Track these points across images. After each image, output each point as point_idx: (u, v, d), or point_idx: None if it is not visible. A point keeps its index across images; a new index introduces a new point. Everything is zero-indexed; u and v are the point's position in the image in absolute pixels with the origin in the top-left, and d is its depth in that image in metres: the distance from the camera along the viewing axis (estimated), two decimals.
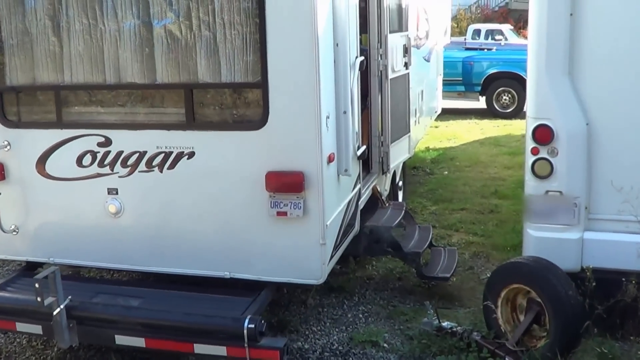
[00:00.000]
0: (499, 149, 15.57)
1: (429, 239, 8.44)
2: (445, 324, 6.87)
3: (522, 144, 16.57)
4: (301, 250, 6.54)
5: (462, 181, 12.94)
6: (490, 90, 20.02)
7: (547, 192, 6.61)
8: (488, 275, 8.45)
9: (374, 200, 8.53)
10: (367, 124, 8.55)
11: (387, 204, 8.62)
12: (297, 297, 8.12)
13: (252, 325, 5.77)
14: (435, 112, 14.04)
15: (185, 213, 6.80)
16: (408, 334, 7.19)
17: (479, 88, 20.04)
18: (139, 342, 6.15)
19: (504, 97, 19.94)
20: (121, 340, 6.19)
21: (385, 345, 7.05)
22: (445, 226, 10.46)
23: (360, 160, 7.68)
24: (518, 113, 19.70)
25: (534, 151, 6.67)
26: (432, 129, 17.45)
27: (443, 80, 15.04)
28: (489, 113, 19.95)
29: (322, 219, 6.42)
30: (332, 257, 6.75)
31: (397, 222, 8.23)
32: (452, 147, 15.99)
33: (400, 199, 10.81)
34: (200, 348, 5.97)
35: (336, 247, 6.92)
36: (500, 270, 6.72)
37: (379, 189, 8.50)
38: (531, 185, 6.74)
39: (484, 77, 19.83)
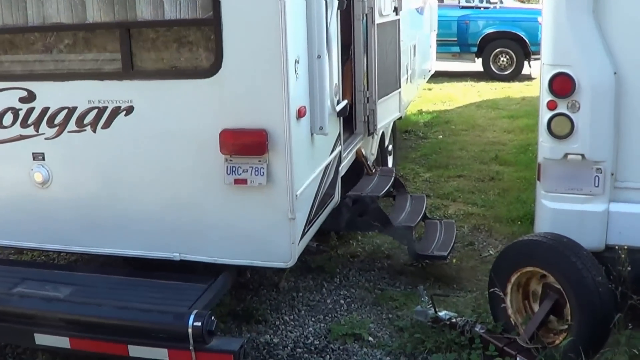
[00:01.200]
0: (497, 112, 14.26)
1: (423, 211, 7.16)
2: (442, 313, 5.61)
3: (523, 107, 15.43)
4: (265, 226, 5.27)
5: (458, 146, 11.64)
6: (487, 52, 18.65)
7: (566, 155, 5.38)
8: (491, 252, 7.23)
9: (359, 166, 7.22)
10: (350, 77, 7.23)
11: (373, 170, 7.32)
12: (269, 279, 6.84)
13: (199, 323, 4.53)
14: (429, 71, 12.72)
15: (124, 182, 5.54)
16: (398, 325, 5.94)
17: (475, 49, 18.63)
18: (63, 342, 4.94)
19: (502, 59, 18.59)
20: (41, 339, 5.00)
21: (370, 339, 5.81)
22: (441, 195, 9.18)
23: (341, 119, 6.38)
24: (516, 76, 18.38)
25: (551, 105, 5.41)
26: (425, 91, 16.12)
27: (437, 40, 13.67)
28: (486, 75, 18.58)
29: (291, 188, 5.14)
30: (304, 233, 5.47)
31: (385, 190, 6.94)
32: (446, 110, 14.67)
33: (389, 164, 9.50)
34: (135, 350, 4.75)
35: (310, 222, 5.63)
36: (509, 250, 5.45)
37: (364, 153, 7.19)
38: (547, 147, 5.50)
39: (481, 37, 18.41)
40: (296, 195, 5.19)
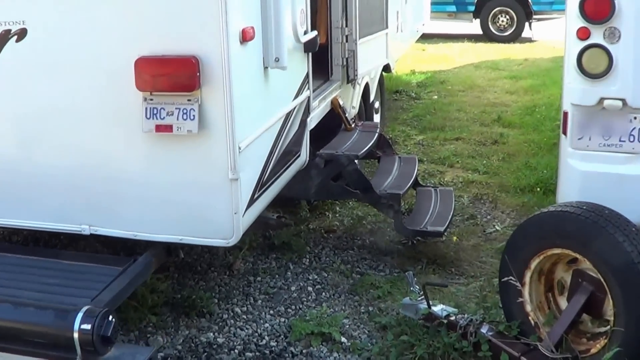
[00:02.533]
0: (497, 73, 12.81)
1: (414, 176, 5.76)
2: (437, 308, 4.23)
3: (526, 68, 13.94)
4: (198, 190, 3.88)
5: (455, 107, 10.20)
6: (486, 11, 17.15)
7: (601, 100, 4.05)
8: (497, 228, 5.87)
9: (335, 119, 5.79)
10: (325, 10, 5.79)
11: (353, 125, 5.88)
12: (220, 258, 5.44)
13: (88, 326, 3.13)
14: (423, 24, 11.23)
15: (17, 132, 4.12)
16: (379, 322, 4.57)
17: (473, 8, 17.17)
18: None
19: (501, 19, 17.08)
20: None
21: (343, 340, 4.44)
22: (436, 160, 7.77)
23: (309, 55, 4.94)
24: (517, 37, 16.88)
25: (582, 34, 4.09)
26: (417, 52, 14.67)
27: None
28: (484, 37, 17.07)
29: (232, 137, 3.75)
30: (253, 200, 4.07)
31: (366, 149, 5.52)
32: (442, 71, 13.20)
33: None
34: None
35: (262, 185, 4.23)
36: (529, 226, 4.07)
37: (341, 104, 5.74)
38: (576, 89, 4.20)
39: None
40: (239, 148, 3.78)
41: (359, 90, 6.56)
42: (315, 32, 4.83)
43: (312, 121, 5.18)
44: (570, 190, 4.31)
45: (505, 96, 10.89)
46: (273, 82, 4.24)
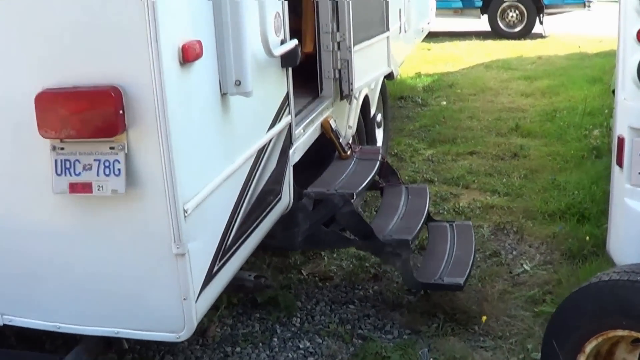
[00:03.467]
0: (510, 73, 11.68)
1: (425, 213, 4.64)
2: None
3: (541, 67, 12.76)
4: (132, 269, 2.81)
5: (466, 113, 9.10)
6: (494, 6, 15.99)
7: None
8: (525, 267, 4.83)
9: (328, 144, 4.71)
10: (311, 11, 4.72)
11: (349, 152, 4.79)
12: None
13: None
14: (428, 22, 10.13)
15: None
16: None
17: (480, 3, 16.01)
18: None
19: (511, 14, 15.92)
20: None
21: None
22: (449, 180, 6.67)
23: (289, 71, 3.87)
24: (527, 33, 15.71)
25: None
26: (423, 51, 13.56)
27: None
28: (493, 34, 15.90)
29: (173, 197, 2.67)
30: (211, 276, 3.02)
31: (365, 184, 4.45)
32: (450, 72, 12.08)
33: (379, 141, 6.99)
34: None
35: (226, 252, 3.17)
36: (582, 300, 3.02)
37: (333, 127, 4.66)
38: (636, 108, 3.09)
39: None
40: (185, 211, 2.71)
41: (356, 106, 5.48)
42: (294, 42, 3.75)
43: (296, 153, 4.10)
44: (630, 240, 3.25)
45: (521, 99, 9.78)
46: (236, 113, 3.17)
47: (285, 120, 3.86)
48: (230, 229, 3.17)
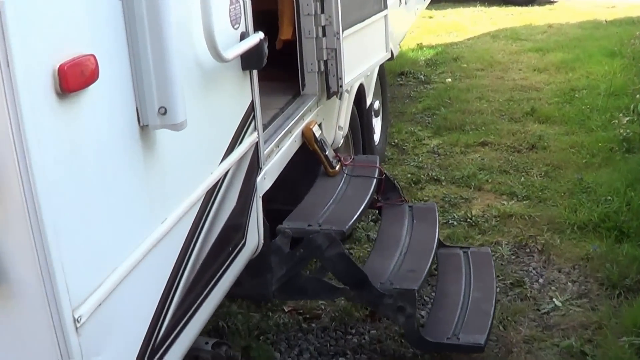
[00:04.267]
0: (519, 45, 10.60)
1: (434, 243, 3.63)
2: None
3: (552, 37, 11.51)
4: None
5: (475, 93, 8.07)
6: None
7: None
8: (556, 303, 3.85)
9: (310, 157, 3.71)
10: None
11: (337, 166, 3.78)
12: None
13: None
14: None
15: None
16: None
17: None
18: None
19: None
20: None
21: None
22: (458, 180, 5.68)
23: (253, 74, 2.86)
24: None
25: None
26: (424, 19, 12.43)
27: None
28: (499, 0, 14.71)
29: (55, 302, 1.64)
30: None
31: (359, 214, 3.42)
32: (454, 43, 10.99)
33: (377, 133, 6.01)
34: None
35: (156, 349, 2.15)
36: None
37: (317, 135, 3.65)
38: None
39: None
40: (77, 320, 1.72)
41: (348, 101, 4.47)
42: (258, 36, 2.72)
43: (267, 179, 3.11)
44: None
45: (534, 75, 8.73)
46: (167, 149, 2.17)
47: (250, 139, 2.86)
48: (164, 313, 2.20)
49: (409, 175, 5.84)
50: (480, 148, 6.34)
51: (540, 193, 5.35)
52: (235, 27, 2.66)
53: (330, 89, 3.86)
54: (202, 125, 2.40)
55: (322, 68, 3.84)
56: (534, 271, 4.35)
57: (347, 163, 3.82)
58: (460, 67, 9.44)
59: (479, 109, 7.42)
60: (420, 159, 6.22)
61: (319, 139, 3.60)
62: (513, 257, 4.53)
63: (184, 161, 2.31)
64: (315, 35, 3.78)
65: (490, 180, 5.62)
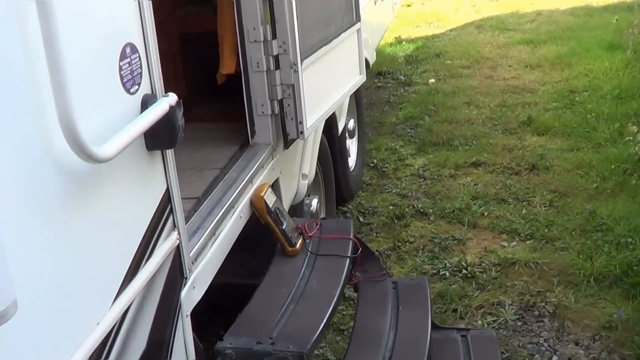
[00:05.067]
0: (507, 36, 9.73)
1: (427, 334, 2.79)
2: None
3: (543, 26, 10.46)
4: None
5: (462, 97, 7.23)
6: None
7: None
8: None
9: (263, 231, 2.85)
10: (229, 6, 2.85)
11: (299, 241, 2.91)
12: None
13: None
14: None
15: None
16: None
17: None
18: None
19: None
20: None
21: None
22: (448, 214, 4.87)
23: (166, 154, 1.98)
24: None
25: None
26: (402, 8, 11.44)
27: None
28: None
29: None
30: None
31: (327, 319, 2.55)
32: (435, 36, 10.11)
33: (352, 156, 5.19)
34: None
35: None
36: None
37: (270, 203, 2.79)
38: None
39: None
40: None
41: (314, 141, 3.62)
42: (167, 101, 1.87)
43: (199, 286, 2.26)
44: None
45: (526, 73, 7.89)
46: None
47: (166, 245, 2.01)
48: None
49: (391, 208, 5.02)
50: (472, 170, 5.51)
51: (546, 230, 4.54)
52: (132, 90, 1.81)
53: (289, 136, 3.01)
54: (72, 267, 1.55)
55: (277, 110, 2.99)
56: (545, 344, 3.55)
57: (311, 234, 2.96)
58: (444, 64, 8.58)
59: (468, 118, 6.58)
60: (403, 185, 5.39)
61: (272, 210, 2.76)
62: (519, 323, 3.73)
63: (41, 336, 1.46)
64: (265, 68, 2.92)
65: (486, 214, 4.80)
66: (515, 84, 7.52)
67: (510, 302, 3.87)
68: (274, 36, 2.89)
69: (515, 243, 4.45)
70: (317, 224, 3.04)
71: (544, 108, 6.66)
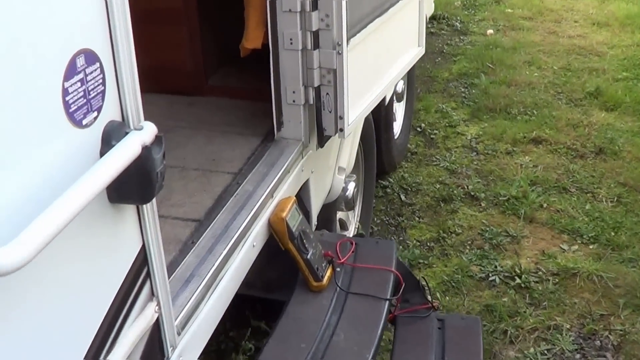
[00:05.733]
0: None
1: None
2: None
3: None
4: None
5: (523, 55, 6.45)
6: None
7: None
8: None
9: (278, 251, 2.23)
10: None
11: (326, 274, 2.28)
12: None
13: None
14: None
15: None
16: None
17: None
18: None
19: None
20: None
21: None
22: (502, 202, 4.20)
23: (144, 209, 1.33)
24: None
25: None
26: None
27: None
28: None
29: None
30: None
31: None
32: None
33: (399, 121, 4.53)
34: None
35: None
36: None
37: (293, 226, 2.15)
38: None
39: None
40: None
41: (353, 137, 2.96)
42: (142, 135, 1.23)
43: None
44: None
45: (593, 32, 7.04)
46: None
47: (140, 323, 1.40)
48: None
49: (438, 187, 4.36)
50: (531, 147, 4.80)
51: (612, 234, 3.86)
52: (86, 121, 1.17)
53: (325, 132, 2.35)
54: None
55: (312, 99, 2.32)
56: None
57: (342, 260, 2.33)
58: (504, 13, 7.75)
59: (529, 81, 5.82)
60: (452, 157, 4.72)
61: (296, 234, 2.12)
62: (578, 354, 3.10)
63: None
64: (301, 47, 2.24)
65: (545, 206, 4.12)
66: (581, 44, 6.69)
67: (568, 327, 3.24)
68: (315, 7, 2.21)
69: (576, 247, 3.78)
70: (352, 245, 2.41)
71: (613, 77, 5.86)
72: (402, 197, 4.31)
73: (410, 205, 4.24)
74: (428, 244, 3.88)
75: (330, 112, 2.32)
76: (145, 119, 1.31)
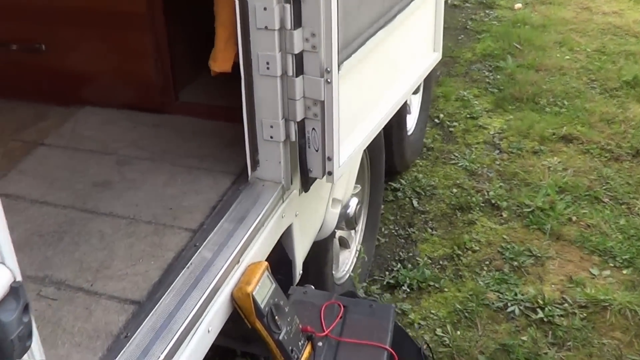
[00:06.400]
0: None
1: None
2: None
3: None
4: None
5: (553, 34, 5.87)
6: None
7: None
8: None
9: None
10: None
11: (301, 353, 1.82)
12: None
13: None
14: None
15: None
16: None
17: None
18: None
19: None
20: None
21: None
22: (526, 214, 3.69)
23: None
24: None
25: None
26: None
27: None
28: None
29: None
30: None
31: None
32: None
33: (413, 114, 4.04)
34: None
35: None
36: None
37: (260, 302, 1.68)
38: None
39: None
40: None
41: (350, 172, 2.47)
42: None
43: None
44: None
45: (630, 10, 6.39)
46: None
47: None
48: None
49: (454, 191, 3.88)
50: (561, 146, 4.27)
51: None
52: None
53: (310, 173, 1.88)
54: None
55: (294, 135, 1.84)
56: None
57: (325, 332, 1.86)
58: None
59: (560, 66, 5.26)
60: (473, 155, 4.22)
61: (266, 311, 1.66)
62: None
63: None
64: (280, 72, 1.76)
65: (574, 219, 3.62)
66: (616, 23, 6.08)
67: None
68: (298, 23, 1.71)
69: (608, 272, 3.28)
70: (340, 308, 1.95)
71: None
72: (415, 203, 3.82)
73: (423, 213, 3.76)
74: (440, 262, 3.41)
75: (316, 150, 1.84)
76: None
